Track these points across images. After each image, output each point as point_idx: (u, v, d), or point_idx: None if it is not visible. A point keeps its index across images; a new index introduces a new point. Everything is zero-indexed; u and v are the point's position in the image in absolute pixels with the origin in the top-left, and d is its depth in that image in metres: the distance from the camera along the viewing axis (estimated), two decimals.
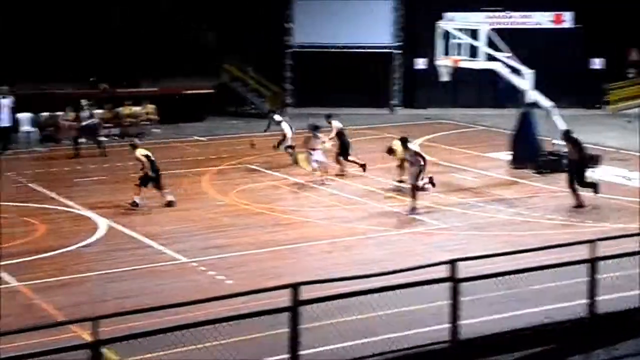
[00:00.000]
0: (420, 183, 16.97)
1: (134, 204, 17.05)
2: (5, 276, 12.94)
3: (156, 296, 12.01)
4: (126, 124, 26.40)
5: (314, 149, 19.57)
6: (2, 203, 17.45)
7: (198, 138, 25.94)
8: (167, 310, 7.93)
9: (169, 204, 17.25)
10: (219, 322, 7.47)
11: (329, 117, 21.33)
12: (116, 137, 25.73)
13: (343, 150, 20.58)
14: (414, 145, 17.63)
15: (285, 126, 21.92)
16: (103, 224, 15.99)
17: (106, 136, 25.66)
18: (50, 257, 14.05)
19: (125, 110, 26.45)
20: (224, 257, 14.21)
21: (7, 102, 23.42)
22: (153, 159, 17.45)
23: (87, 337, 7.41)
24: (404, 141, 17.62)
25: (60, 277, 13.03)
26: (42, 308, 11.65)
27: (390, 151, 19.43)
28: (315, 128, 19.92)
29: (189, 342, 9.60)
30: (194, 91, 28.97)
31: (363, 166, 20.47)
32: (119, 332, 7.38)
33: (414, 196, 17.01)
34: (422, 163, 17.02)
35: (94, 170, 20.98)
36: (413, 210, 16.88)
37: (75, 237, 15.07)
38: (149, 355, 9.50)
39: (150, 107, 26.82)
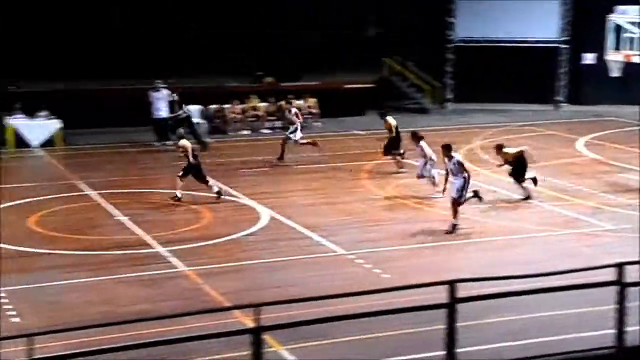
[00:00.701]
0: (464, 196, 15.29)
1: (176, 198, 17.22)
2: (175, 261, 13.63)
3: (314, 286, 12.27)
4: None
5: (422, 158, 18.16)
6: (172, 191, 18.38)
7: (358, 132, 26.19)
8: (324, 300, 8.11)
9: (218, 193, 17.32)
10: (376, 315, 7.54)
11: (383, 115, 21.02)
12: (280, 130, 26.43)
13: (391, 145, 20.16)
14: (457, 154, 15.85)
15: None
16: (265, 214, 16.49)
17: (270, 129, 26.50)
18: (216, 244, 14.65)
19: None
20: (381, 250, 14.31)
21: (161, 95, 24.38)
22: (197, 153, 17.74)
23: (249, 323, 7.69)
24: (447, 148, 15.77)
25: (224, 264, 13.57)
26: (207, 293, 12.18)
27: (500, 150, 17.92)
28: (415, 135, 18.53)
29: (346, 334, 9.80)
30: (355, 85, 29.25)
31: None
32: (279, 320, 7.61)
33: (455, 212, 15.22)
34: (466, 175, 15.28)
35: (258, 162, 21.66)
36: (454, 227, 15.15)
37: (240, 226, 15.63)
38: (306, 343, 9.77)
39: (312, 101, 27.37)
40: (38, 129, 23.66)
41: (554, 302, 10.54)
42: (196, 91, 26.86)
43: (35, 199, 17.49)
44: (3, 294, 11.97)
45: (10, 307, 11.50)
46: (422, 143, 18.29)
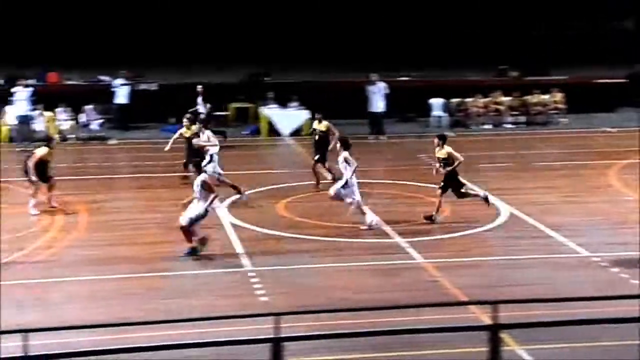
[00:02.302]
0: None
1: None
2: (413, 253, 13.83)
3: (554, 287, 11.96)
4: (533, 112, 26.39)
5: None
6: (410, 183, 18.59)
7: (607, 129, 24.97)
8: (565, 302, 7.88)
9: (52, 206, 15.95)
10: (622, 322, 7.22)
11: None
12: (523, 125, 25.90)
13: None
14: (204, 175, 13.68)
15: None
16: (505, 210, 16.22)
17: (513, 123, 25.97)
18: (454, 238, 14.67)
19: (533, 98, 26.43)
20: (630, 254, 13.56)
21: (377, 88, 24.59)
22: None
23: (486, 320, 7.65)
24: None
25: (462, 258, 13.55)
26: (444, 286, 12.24)
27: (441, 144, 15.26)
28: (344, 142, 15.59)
29: (587, 339, 9.42)
30: (605, 80, 27.87)
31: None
32: (516, 319, 7.50)
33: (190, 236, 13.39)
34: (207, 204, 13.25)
35: (499, 157, 21.35)
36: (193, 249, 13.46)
37: (478, 221, 15.50)
38: (544, 345, 9.52)
39: (559, 96, 26.45)
40: (289, 118, 24.90)
41: None
42: (439, 84, 26.99)
43: (283, 185, 18.47)
44: (254, 274, 12.82)
45: (259, 286, 12.30)
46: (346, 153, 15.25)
